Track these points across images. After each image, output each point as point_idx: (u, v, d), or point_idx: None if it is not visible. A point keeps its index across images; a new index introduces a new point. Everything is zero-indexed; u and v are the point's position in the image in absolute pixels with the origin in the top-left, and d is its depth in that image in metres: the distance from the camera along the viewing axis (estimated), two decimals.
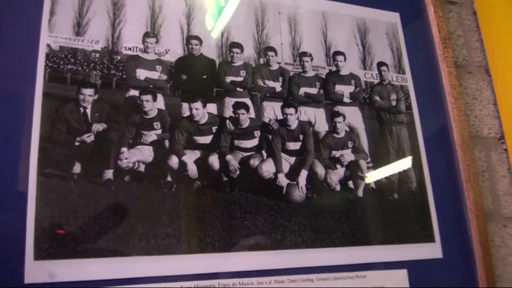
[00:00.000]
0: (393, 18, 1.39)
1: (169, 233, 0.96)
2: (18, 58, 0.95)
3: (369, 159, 1.24)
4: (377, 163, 1.24)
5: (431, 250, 1.20)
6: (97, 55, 1.05)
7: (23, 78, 0.95)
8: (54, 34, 1.00)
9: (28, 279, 0.83)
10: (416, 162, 1.27)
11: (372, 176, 1.22)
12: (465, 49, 1.47)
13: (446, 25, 1.43)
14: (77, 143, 0.98)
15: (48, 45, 0.99)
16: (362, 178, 1.21)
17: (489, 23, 1.46)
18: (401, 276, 1.14)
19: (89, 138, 0.99)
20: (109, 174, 0.98)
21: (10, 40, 0.96)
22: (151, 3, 1.11)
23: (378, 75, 1.32)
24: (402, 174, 1.25)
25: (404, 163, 1.26)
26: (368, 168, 1.22)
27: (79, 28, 1.03)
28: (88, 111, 1.02)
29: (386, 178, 1.23)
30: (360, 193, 1.19)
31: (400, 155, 1.27)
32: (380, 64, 1.33)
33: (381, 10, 1.38)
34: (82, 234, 0.89)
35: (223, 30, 1.17)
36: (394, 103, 1.31)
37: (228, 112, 1.14)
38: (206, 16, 1.16)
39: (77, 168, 0.96)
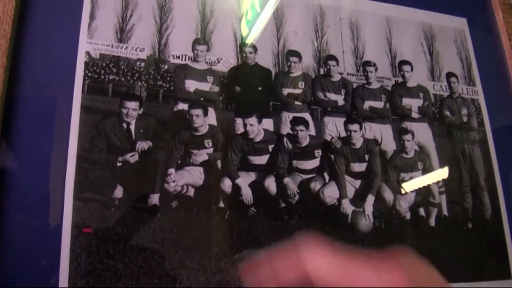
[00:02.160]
0: (461, 24, 1.26)
1: (222, 268, 0.85)
2: (54, 67, 0.86)
3: (441, 183, 1.10)
4: (449, 188, 1.10)
5: None
6: (142, 64, 0.95)
7: (59, 89, 0.86)
8: (94, 40, 0.91)
9: None
10: (490, 186, 1.14)
11: (445, 202, 1.08)
12: None
13: None
14: (119, 164, 0.88)
15: (88, 53, 0.89)
16: (434, 205, 1.07)
17: None
18: None
19: (133, 157, 0.88)
20: (154, 199, 0.87)
21: (46, 47, 0.87)
22: (201, 7, 1.01)
23: (447, 87, 1.18)
24: (476, 200, 1.11)
25: (478, 187, 1.12)
26: (440, 193, 1.08)
27: (122, 34, 0.94)
28: (132, 127, 0.91)
29: (460, 204, 1.10)
30: (432, 222, 1.06)
31: (473, 178, 1.13)
32: (450, 74, 1.20)
33: (447, 15, 1.26)
34: (124, 268, 0.79)
35: (280, 36, 1.06)
36: (465, 119, 1.17)
37: (286, 129, 1.03)
38: (260, 21, 1.05)
39: (118, 192, 0.86)
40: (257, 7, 1.07)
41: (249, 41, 1.03)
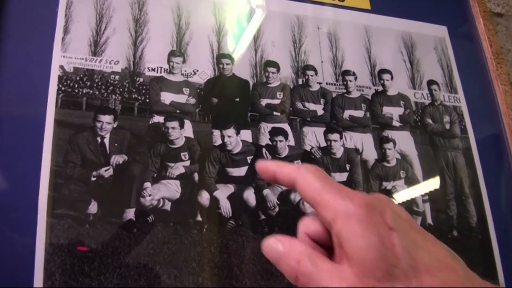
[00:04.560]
0: (441, 32, 1.26)
1: (200, 283, 0.83)
2: (27, 81, 0.85)
3: (424, 191, 1.08)
4: (433, 196, 1.09)
5: None
6: (117, 77, 0.93)
7: (33, 103, 0.84)
8: (68, 54, 0.90)
9: None
10: (475, 193, 1.12)
11: (429, 211, 1.06)
12: None
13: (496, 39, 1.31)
14: (93, 178, 0.86)
15: (61, 67, 0.88)
16: (418, 213, 1.05)
17: None
18: None
19: (107, 172, 0.86)
20: (130, 214, 0.85)
21: (19, 61, 0.86)
22: (177, 19, 1.00)
23: (428, 95, 1.18)
24: (461, 208, 1.10)
25: (463, 195, 1.11)
26: (424, 201, 1.07)
27: (96, 47, 0.93)
28: (107, 140, 0.90)
29: (444, 212, 1.08)
30: None
31: (457, 186, 1.12)
32: (431, 82, 1.19)
33: (427, 23, 1.26)
34: (99, 286, 0.77)
35: (257, 47, 1.05)
36: (447, 126, 1.16)
37: (265, 140, 1.01)
38: (236, 32, 1.05)
39: (93, 207, 0.84)
40: (241, 22, 1.06)
41: (226, 52, 1.03)
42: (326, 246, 0.37)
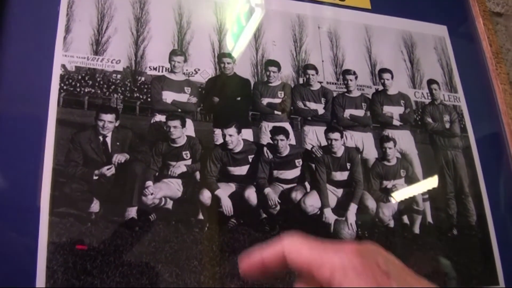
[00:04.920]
0: (441, 31, 1.26)
1: (201, 282, 0.83)
2: (29, 81, 0.85)
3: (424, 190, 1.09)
4: (433, 195, 1.09)
5: None
6: (119, 76, 0.93)
7: (35, 102, 0.84)
8: (69, 53, 0.90)
9: None
10: (475, 192, 1.13)
11: (429, 209, 1.07)
12: None
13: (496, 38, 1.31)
14: (95, 177, 0.86)
15: (63, 66, 0.88)
16: (418, 212, 1.06)
17: None
18: None
19: (109, 171, 0.87)
20: (132, 212, 0.85)
21: (21, 60, 0.86)
22: (178, 18, 1.00)
23: (429, 94, 1.18)
24: (461, 207, 1.10)
25: (463, 194, 1.11)
26: (424, 200, 1.07)
27: (98, 47, 0.93)
28: (108, 139, 0.90)
29: (444, 211, 1.08)
30: (416, 229, 1.05)
31: (457, 184, 1.12)
32: (431, 81, 1.20)
33: (427, 22, 1.26)
34: (101, 284, 0.77)
35: (258, 46, 1.05)
36: (447, 125, 1.17)
37: (266, 139, 1.02)
38: (237, 31, 1.05)
39: (95, 206, 0.84)
40: (242, 21, 1.06)
41: (228, 51, 1.03)
42: None
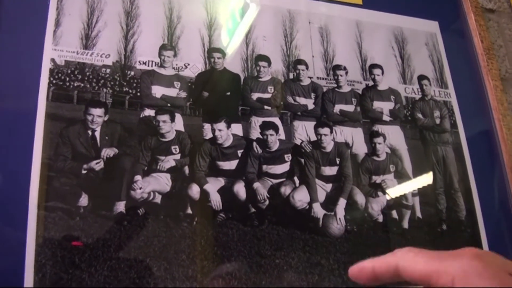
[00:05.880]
0: (432, 27, 1.27)
1: (190, 276, 0.83)
2: (18, 75, 0.85)
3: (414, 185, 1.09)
4: (423, 190, 1.10)
5: None
6: (108, 70, 0.94)
7: (24, 96, 0.85)
8: (59, 47, 0.90)
9: None
10: (465, 187, 1.13)
11: (418, 205, 1.07)
12: (507, 61, 1.34)
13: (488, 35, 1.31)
14: (84, 171, 0.86)
15: (53, 60, 0.88)
16: (407, 207, 1.06)
17: None
18: None
19: (98, 165, 0.87)
20: (120, 206, 0.86)
21: (10, 54, 0.86)
22: (168, 13, 1.00)
23: (419, 90, 1.19)
24: (450, 202, 1.11)
25: (452, 189, 1.12)
26: (413, 195, 1.08)
27: (88, 41, 0.93)
28: (97, 134, 0.90)
29: (434, 206, 1.09)
30: (405, 224, 1.05)
31: (447, 180, 1.13)
32: (421, 77, 1.20)
33: (418, 18, 1.26)
34: (89, 278, 0.77)
35: (248, 41, 1.06)
36: (438, 121, 1.17)
37: (255, 134, 1.02)
38: (228, 26, 1.05)
39: (84, 200, 0.84)
40: (233, 16, 1.06)
41: (218, 46, 1.03)
42: None
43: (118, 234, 0.83)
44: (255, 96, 1.05)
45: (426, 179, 1.11)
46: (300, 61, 1.09)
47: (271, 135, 1.01)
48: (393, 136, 1.12)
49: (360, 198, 1.03)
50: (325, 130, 1.04)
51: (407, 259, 0.37)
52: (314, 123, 1.06)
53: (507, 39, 1.38)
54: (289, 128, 1.05)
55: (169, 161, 0.94)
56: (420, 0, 1.29)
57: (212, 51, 1.02)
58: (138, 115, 0.95)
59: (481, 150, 1.19)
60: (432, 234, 1.07)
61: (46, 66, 0.87)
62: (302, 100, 1.08)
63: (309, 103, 1.08)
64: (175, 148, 0.95)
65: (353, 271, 0.40)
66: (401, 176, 1.09)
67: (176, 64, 0.99)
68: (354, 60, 1.14)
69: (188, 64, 1.00)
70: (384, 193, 1.06)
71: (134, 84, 0.95)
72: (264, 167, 1.00)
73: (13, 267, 0.74)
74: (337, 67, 1.12)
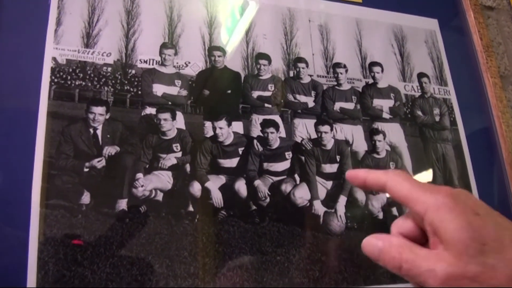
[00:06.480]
0: (432, 25, 1.27)
1: (192, 273, 0.84)
2: (20, 74, 0.85)
3: None
4: None
5: None
6: (109, 69, 0.94)
7: (25, 95, 0.85)
8: (60, 46, 0.90)
9: None
10: (464, 185, 1.14)
11: None
12: (506, 58, 1.35)
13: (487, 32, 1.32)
14: (86, 169, 0.87)
15: (54, 59, 0.89)
16: None
17: None
18: None
19: (100, 163, 0.87)
20: (122, 204, 0.86)
21: (11, 53, 0.86)
22: (169, 11, 1.00)
23: (419, 88, 1.19)
24: None
25: (452, 186, 1.12)
26: None
27: (89, 39, 0.93)
28: (99, 132, 0.91)
29: None
30: None
31: (447, 177, 1.13)
32: (421, 75, 1.20)
33: (418, 16, 1.27)
34: (92, 275, 0.78)
35: (249, 39, 1.06)
36: (437, 118, 1.18)
37: (256, 131, 1.02)
38: (228, 24, 1.05)
39: (86, 198, 0.85)
40: (233, 14, 1.07)
41: (218, 44, 1.03)
42: (417, 242, 0.41)
43: (120, 231, 0.83)
44: (255, 94, 1.05)
45: (426, 176, 1.12)
46: (300, 59, 1.09)
47: (272, 133, 1.02)
48: (393, 134, 1.12)
49: (360, 195, 1.03)
50: (325, 128, 1.05)
51: (396, 181, 0.42)
52: (314, 120, 1.06)
53: (506, 36, 1.39)
54: (290, 126, 1.06)
55: (170, 159, 0.94)
56: None
57: (212, 50, 1.02)
58: (139, 113, 0.95)
59: (481, 147, 1.20)
60: None
61: (47, 65, 0.87)
62: (302, 98, 1.08)
63: (309, 101, 1.08)
64: (176, 146, 0.95)
65: (349, 174, 0.46)
66: None
67: (177, 63, 0.99)
68: (354, 58, 1.15)
69: (189, 63, 1.00)
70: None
71: (135, 83, 0.96)
72: (265, 164, 1.01)
73: (16, 265, 0.75)
74: (337, 65, 1.12)
